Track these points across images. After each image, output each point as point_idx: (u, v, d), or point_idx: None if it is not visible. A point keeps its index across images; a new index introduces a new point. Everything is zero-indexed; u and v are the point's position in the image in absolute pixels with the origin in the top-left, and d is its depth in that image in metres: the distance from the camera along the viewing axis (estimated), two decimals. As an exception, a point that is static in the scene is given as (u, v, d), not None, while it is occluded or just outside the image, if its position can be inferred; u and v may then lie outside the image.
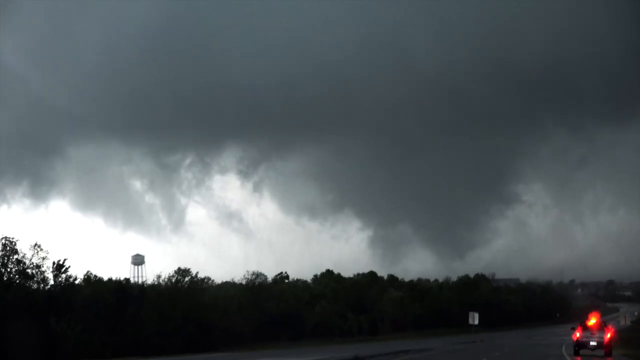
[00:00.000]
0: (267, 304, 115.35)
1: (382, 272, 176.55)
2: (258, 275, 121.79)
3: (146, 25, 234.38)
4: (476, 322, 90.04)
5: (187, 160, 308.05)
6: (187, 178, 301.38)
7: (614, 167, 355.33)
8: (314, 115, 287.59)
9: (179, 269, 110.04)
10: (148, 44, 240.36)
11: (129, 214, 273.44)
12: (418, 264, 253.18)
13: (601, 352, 55.34)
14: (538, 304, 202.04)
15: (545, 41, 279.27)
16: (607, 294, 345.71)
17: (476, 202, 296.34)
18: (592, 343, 55.52)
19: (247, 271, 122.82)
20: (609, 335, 55.46)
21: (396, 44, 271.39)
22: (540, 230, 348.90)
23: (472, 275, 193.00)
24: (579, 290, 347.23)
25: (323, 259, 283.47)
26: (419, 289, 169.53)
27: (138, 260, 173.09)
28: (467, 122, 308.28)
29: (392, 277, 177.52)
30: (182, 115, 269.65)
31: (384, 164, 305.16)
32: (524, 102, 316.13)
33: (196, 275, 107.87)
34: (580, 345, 56.25)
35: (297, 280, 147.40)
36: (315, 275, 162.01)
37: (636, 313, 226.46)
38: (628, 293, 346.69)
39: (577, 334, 56.90)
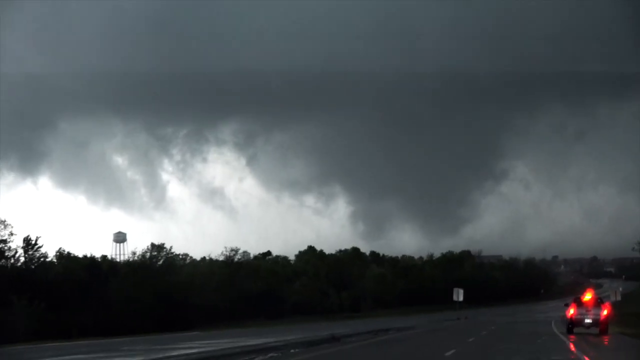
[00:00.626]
0: (245, 281, 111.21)
1: (368, 248, 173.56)
2: (236, 251, 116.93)
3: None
4: (461, 298, 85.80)
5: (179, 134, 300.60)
6: (173, 154, 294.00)
7: (600, 145, 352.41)
8: (306, 91, 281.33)
9: (152, 244, 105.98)
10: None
11: (111, 190, 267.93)
12: (404, 240, 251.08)
13: (596, 330, 50.46)
14: (522, 281, 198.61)
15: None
16: (591, 271, 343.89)
17: (465, 179, 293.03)
18: (588, 320, 50.30)
19: (226, 247, 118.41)
20: (605, 312, 50.10)
21: (395, 20, 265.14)
22: (524, 208, 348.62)
23: (457, 252, 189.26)
24: (562, 267, 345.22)
25: (308, 235, 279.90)
26: (402, 265, 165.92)
27: (120, 237, 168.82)
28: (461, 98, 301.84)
29: (375, 254, 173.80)
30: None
31: (374, 139, 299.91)
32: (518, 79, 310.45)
33: (170, 251, 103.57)
34: (574, 323, 51.01)
35: (278, 257, 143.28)
36: (301, 252, 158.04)
37: (621, 289, 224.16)
38: (611, 269, 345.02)
39: (571, 311, 51.39)
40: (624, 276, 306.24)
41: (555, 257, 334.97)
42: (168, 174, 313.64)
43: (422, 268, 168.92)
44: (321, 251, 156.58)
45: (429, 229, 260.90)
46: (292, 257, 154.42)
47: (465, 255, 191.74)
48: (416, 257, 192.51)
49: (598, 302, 51.69)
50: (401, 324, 66.70)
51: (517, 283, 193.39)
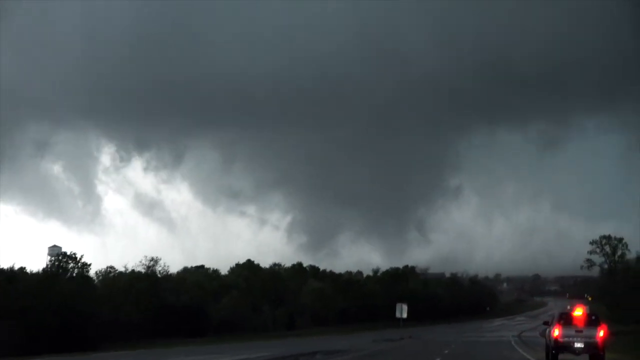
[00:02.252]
0: (168, 294, 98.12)
1: (312, 263, 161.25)
2: (156, 261, 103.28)
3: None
4: (404, 315, 73.23)
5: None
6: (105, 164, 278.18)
7: (543, 165, 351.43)
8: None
9: (64, 253, 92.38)
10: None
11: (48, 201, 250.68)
12: (350, 257, 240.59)
13: (586, 357, 37.52)
14: (467, 298, 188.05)
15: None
16: (533, 288, 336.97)
17: (413, 197, 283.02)
18: (579, 345, 36.26)
19: (145, 257, 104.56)
20: (602, 334, 36.08)
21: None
22: (469, 228, 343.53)
23: (401, 267, 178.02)
24: (505, 284, 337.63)
25: (247, 248, 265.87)
26: (344, 280, 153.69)
27: (54, 251, 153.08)
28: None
29: (315, 269, 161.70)
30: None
31: (323, 158, 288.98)
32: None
33: (80, 261, 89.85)
34: (560, 347, 37.24)
35: (209, 269, 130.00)
36: (237, 264, 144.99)
37: (568, 307, 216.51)
38: (554, 287, 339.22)
39: (556, 332, 37.33)
40: (567, 294, 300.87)
41: (497, 275, 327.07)
42: (104, 185, 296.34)
43: (365, 284, 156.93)
44: (257, 265, 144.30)
45: (377, 247, 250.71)
46: (225, 271, 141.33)
47: (410, 272, 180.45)
48: (364, 273, 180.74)
49: (592, 320, 37.29)
50: (333, 346, 54.88)
51: (462, 300, 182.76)
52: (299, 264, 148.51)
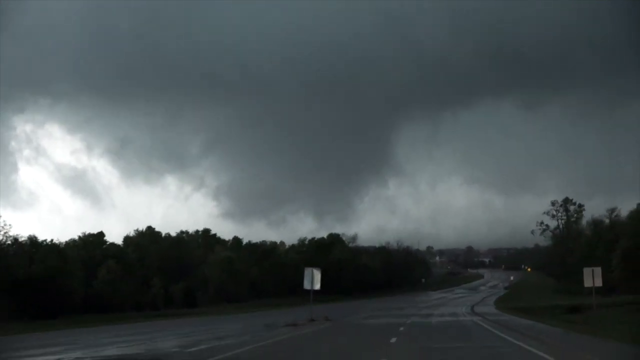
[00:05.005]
0: (14, 267, 72.23)
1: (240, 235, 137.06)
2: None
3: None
4: (316, 285, 46.90)
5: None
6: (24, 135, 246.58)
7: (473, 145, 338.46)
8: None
9: None
10: None
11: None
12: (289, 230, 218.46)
13: None
14: (400, 269, 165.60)
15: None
16: (467, 260, 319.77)
17: (349, 168, 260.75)
18: None
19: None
20: None
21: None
22: (402, 201, 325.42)
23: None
24: (437, 257, 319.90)
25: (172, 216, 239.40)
26: (260, 250, 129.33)
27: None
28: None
29: (237, 240, 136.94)
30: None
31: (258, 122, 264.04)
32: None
33: None
34: None
35: (89, 237, 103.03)
36: (139, 231, 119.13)
37: (512, 278, 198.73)
38: (487, 259, 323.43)
39: None
40: (503, 266, 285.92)
41: (429, 247, 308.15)
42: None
43: (285, 254, 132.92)
44: (158, 232, 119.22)
45: (316, 220, 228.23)
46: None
47: (336, 240, 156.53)
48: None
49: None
50: (181, 338, 30.87)
51: (395, 272, 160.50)
52: (206, 231, 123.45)
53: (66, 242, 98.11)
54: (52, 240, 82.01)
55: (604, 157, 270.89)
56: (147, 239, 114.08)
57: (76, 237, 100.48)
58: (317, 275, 45.14)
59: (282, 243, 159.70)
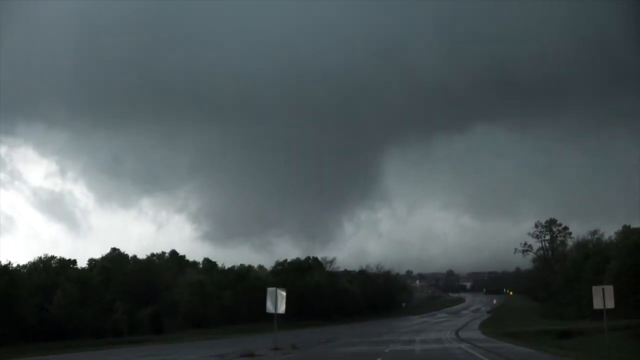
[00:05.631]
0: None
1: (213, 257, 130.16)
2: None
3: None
4: (281, 309, 40.10)
5: None
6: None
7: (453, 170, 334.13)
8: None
9: None
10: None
11: None
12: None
13: None
14: (380, 294, 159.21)
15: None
16: (447, 285, 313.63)
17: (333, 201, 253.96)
18: None
19: None
20: None
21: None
22: (385, 226, 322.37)
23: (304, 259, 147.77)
24: (418, 281, 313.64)
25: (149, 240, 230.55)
26: (235, 273, 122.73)
27: None
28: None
29: (211, 262, 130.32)
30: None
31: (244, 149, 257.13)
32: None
33: None
34: None
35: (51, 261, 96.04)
36: (105, 254, 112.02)
37: (495, 301, 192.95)
38: (469, 283, 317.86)
39: None
40: (484, 289, 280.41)
41: (409, 271, 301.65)
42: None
43: (259, 277, 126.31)
44: (125, 254, 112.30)
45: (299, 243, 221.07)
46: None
47: (315, 263, 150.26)
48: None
49: None
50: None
51: (375, 296, 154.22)
52: (175, 253, 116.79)
53: (23, 265, 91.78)
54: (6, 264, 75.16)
55: (581, 181, 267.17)
56: (113, 262, 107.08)
57: (34, 260, 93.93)
58: (282, 296, 38.98)
59: (260, 266, 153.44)
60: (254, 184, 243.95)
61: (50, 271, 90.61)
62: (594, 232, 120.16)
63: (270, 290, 39.50)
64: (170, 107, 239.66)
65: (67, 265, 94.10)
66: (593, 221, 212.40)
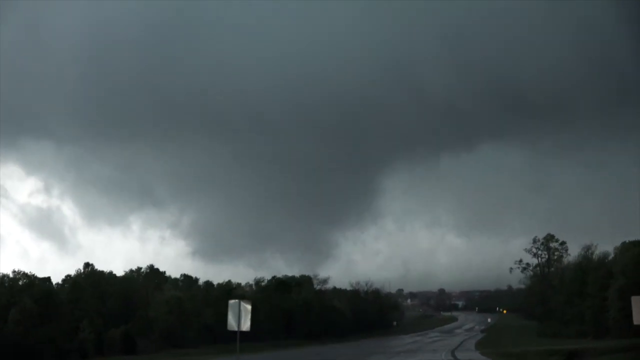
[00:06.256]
0: None
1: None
2: None
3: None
4: (245, 326, 32.71)
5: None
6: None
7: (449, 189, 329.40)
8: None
9: None
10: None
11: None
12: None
13: None
14: (370, 312, 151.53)
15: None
16: (439, 303, 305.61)
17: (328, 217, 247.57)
18: None
19: None
20: None
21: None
22: (379, 245, 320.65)
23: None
24: (409, 300, 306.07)
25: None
26: (218, 290, 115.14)
27: None
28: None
29: (187, 278, 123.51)
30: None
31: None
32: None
33: None
34: None
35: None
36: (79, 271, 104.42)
37: (489, 320, 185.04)
38: (460, 302, 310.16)
39: None
40: (477, 308, 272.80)
41: (400, 290, 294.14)
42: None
43: (244, 294, 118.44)
44: (100, 272, 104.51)
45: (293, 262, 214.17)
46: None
47: (305, 280, 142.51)
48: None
49: None
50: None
51: (365, 315, 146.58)
52: (153, 268, 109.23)
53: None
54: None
55: (577, 197, 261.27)
56: (87, 278, 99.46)
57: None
58: (247, 310, 31.80)
59: (247, 284, 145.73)
60: (250, 201, 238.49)
61: (16, 288, 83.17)
62: (588, 248, 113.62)
63: (232, 302, 32.19)
64: (172, 123, 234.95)
65: (34, 281, 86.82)
66: (588, 237, 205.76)
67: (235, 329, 31.19)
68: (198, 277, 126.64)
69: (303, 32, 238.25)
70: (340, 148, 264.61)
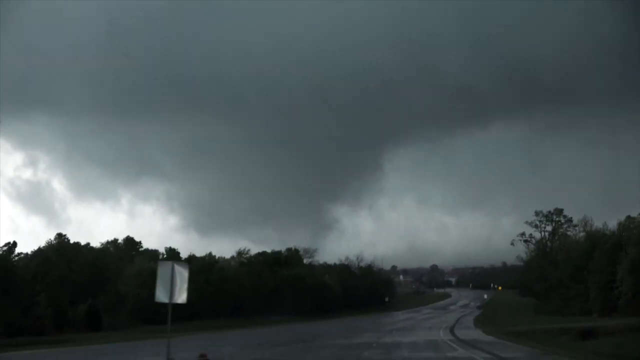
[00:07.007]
0: None
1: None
2: None
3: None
4: (181, 297, 24.33)
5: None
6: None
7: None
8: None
9: None
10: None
11: None
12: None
13: None
14: (361, 287, 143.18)
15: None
16: (432, 280, 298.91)
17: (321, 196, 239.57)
18: None
19: None
20: None
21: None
22: (362, 222, 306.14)
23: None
24: (402, 276, 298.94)
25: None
26: (199, 263, 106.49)
27: None
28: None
29: (168, 250, 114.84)
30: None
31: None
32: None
33: None
34: None
35: None
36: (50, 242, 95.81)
37: (486, 296, 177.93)
38: (454, 278, 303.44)
39: None
40: (470, 285, 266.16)
41: (393, 266, 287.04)
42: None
43: (226, 268, 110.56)
44: (76, 243, 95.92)
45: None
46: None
47: (293, 255, 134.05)
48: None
49: None
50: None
51: (356, 290, 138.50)
52: (129, 239, 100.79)
53: None
54: None
55: (578, 174, 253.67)
56: (57, 251, 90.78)
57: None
58: (183, 277, 23.27)
59: (232, 257, 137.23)
60: (250, 177, 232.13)
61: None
62: (585, 222, 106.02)
63: (162, 265, 23.51)
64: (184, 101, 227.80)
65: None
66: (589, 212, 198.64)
67: (166, 300, 22.59)
68: (193, 252, 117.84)
69: (318, 8, 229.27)
70: (340, 126, 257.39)
